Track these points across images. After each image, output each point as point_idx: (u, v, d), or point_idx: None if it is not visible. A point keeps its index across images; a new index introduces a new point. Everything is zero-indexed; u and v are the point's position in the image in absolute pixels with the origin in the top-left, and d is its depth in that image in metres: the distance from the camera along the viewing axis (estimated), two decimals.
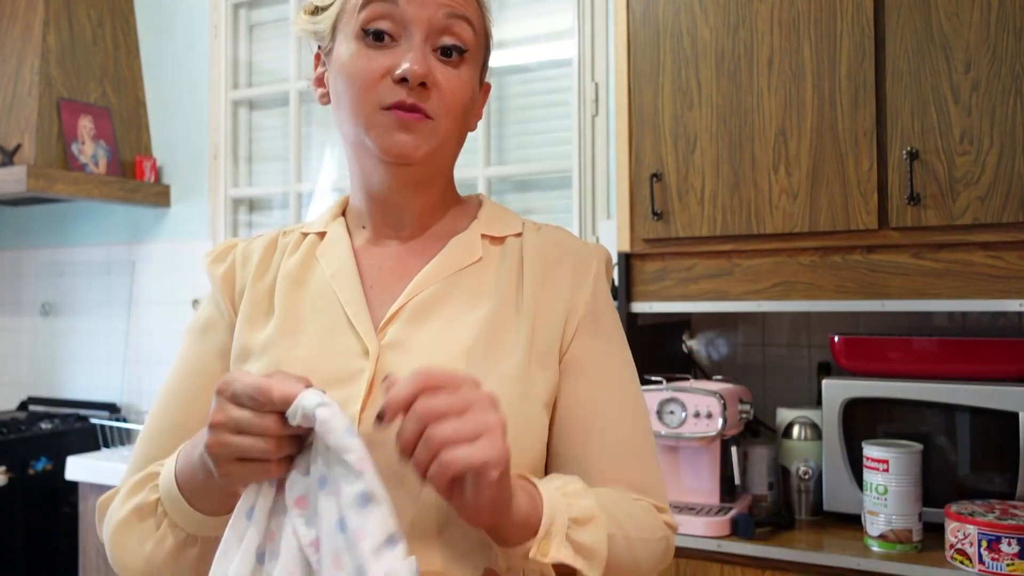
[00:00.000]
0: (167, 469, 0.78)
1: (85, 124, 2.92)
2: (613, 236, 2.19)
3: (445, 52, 0.83)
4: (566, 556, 0.72)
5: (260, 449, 0.67)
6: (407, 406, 0.65)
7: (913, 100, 1.63)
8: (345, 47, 0.85)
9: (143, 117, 3.17)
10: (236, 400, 0.67)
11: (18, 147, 2.76)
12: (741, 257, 1.79)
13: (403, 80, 0.81)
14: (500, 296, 0.86)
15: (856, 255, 1.69)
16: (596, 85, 2.37)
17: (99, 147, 2.95)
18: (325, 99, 0.91)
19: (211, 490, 0.74)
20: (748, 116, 1.77)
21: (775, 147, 1.74)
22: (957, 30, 1.60)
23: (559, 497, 0.74)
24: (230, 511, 0.73)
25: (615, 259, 1.93)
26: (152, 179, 3.06)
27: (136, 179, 3.03)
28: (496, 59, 2.64)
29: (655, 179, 1.84)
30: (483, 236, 0.91)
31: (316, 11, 0.89)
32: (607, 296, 0.92)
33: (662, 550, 0.84)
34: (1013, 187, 1.55)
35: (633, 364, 0.93)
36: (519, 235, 0.92)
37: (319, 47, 0.91)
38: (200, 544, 0.78)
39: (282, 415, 0.67)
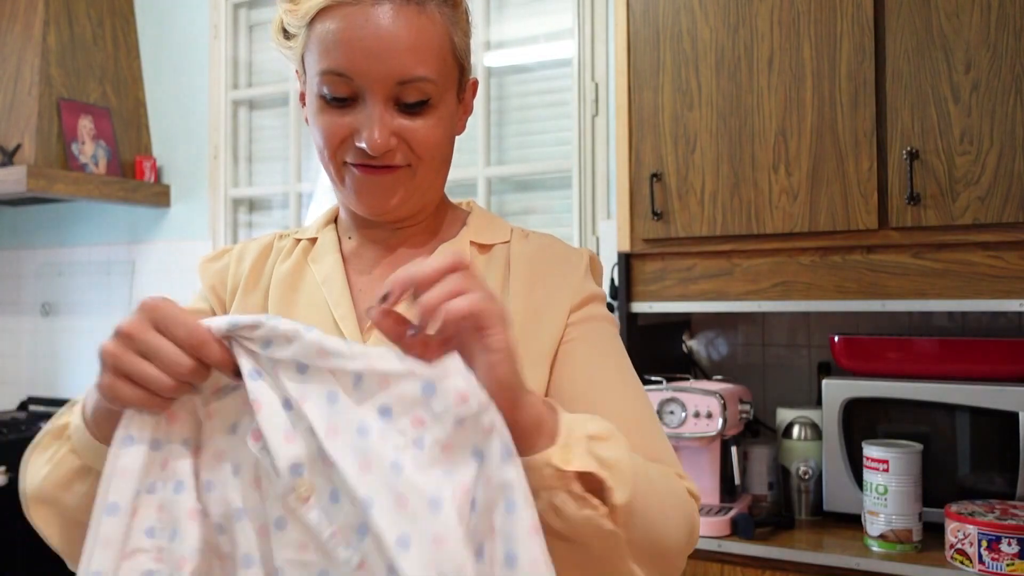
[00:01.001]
0: (87, 394, 0.74)
1: (85, 124, 2.92)
2: (613, 236, 2.19)
3: (409, 106, 0.83)
4: (592, 465, 0.65)
5: (159, 383, 0.63)
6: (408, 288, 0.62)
7: (913, 100, 1.63)
8: (310, 97, 0.85)
9: (143, 117, 3.17)
10: (161, 325, 0.63)
11: (18, 147, 2.76)
12: (741, 257, 1.79)
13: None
14: None
15: (856, 255, 1.69)
16: (596, 85, 2.37)
17: (99, 147, 2.95)
18: (307, 121, 0.91)
19: (107, 416, 0.70)
20: (748, 116, 1.77)
21: (775, 147, 1.74)
22: (957, 30, 1.60)
23: (572, 415, 0.69)
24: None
25: (615, 259, 1.94)
26: (152, 179, 3.06)
27: (136, 179, 3.03)
28: (496, 59, 2.64)
29: (655, 179, 1.84)
30: (472, 243, 0.91)
31: (286, 35, 0.88)
32: (596, 292, 0.91)
33: (688, 512, 0.79)
34: (1013, 187, 1.55)
35: (629, 361, 0.91)
36: (507, 243, 0.92)
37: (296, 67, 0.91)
38: (91, 480, 0.73)
39: (202, 365, 0.64)
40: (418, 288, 0.62)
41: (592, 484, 0.65)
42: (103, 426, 0.70)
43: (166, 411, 0.67)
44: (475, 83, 0.94)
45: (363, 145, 0.81)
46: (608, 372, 0.86)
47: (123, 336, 0.64)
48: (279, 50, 0.90)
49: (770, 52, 1.75)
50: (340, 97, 0.82)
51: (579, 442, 0.65)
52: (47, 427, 0.80)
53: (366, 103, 0.81)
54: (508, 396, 0.62)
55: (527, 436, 0.63)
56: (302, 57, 0.86)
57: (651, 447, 0.81)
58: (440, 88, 0.84)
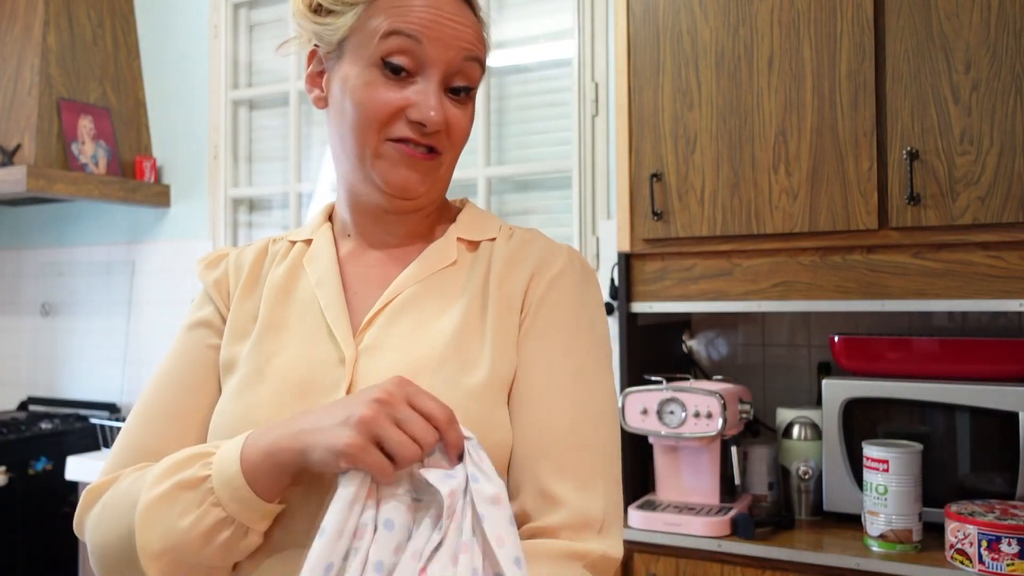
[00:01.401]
0: (229, 447, 0.76)
1: (85, 124, 2.92)
2: (613, 236, 2.19)
3: (455, 91, 0.85)
4: None
5: (408, 451, 0.69)
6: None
7: (913, 100, 1.63)
8: (358, 70, 0.84)
9: (143, 117, 3.17)
10: (412, 402, 0.71)
11: (18, 147, 2.76)
12: (741, 257, 1.79)
13: (420, 124, 0.83)
14: (469, 299, 0.87)
15: (856, 255, 1.69)
16: (596, 85, 2.37)
17: (99, 147, 2.95)
18: (322, 103, 0.90)
19: (281, 471, 0.74)
20: (748, 116, 1.77)
21: (775, 147, 1.74)
22: (957, 30, 1.60)
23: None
24: (279, 497, 0.75)
25: (615, 259, 1.93)
26: (152, 179, 3.06)
27: (136, 179, 3.03)
28: (496, 59, 2.64)
29: (655, 179, 1.84)
30: (459, 240, 0.92)
31: (320, 10, 0.87)
32: (568, 293, 0.87)
33: None
34: (1013, 187, 1.55)
35: (599, 366, 0.86)
36: (493, 240, 0.92)
37: (316, 46, 0.89)
38: (233, 529, 0.75)
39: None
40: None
41: None
42: (269, 484, 0.74)
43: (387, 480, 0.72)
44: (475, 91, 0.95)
45: (418, 117, 0.82)
46: (543, 373, 0.83)
47: (381, 403, 0.70)
48: (303, 26, 0.88)
49: (770, 52, 1.75)
50: (399, 67, 0.83)
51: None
52: (159, 486, 0.78)
53: (425, 78, 0.83)
54: None
55: None
56: (344, 34, 0.85)
57: (563, 458, 0.79)
58: (480, 79, 0.88)
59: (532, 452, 0.79)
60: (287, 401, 0.81)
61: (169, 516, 0.76)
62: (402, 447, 0.69)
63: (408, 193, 0.86)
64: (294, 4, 0.89)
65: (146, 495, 0.77)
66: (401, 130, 0.83)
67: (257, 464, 0.74)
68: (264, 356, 0.85)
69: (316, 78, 0.90)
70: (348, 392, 0.81)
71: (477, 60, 0.86)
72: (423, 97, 0.82)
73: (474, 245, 0.92)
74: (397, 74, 0.83)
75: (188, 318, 0.95)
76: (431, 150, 0.85)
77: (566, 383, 0.82)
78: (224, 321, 0.91)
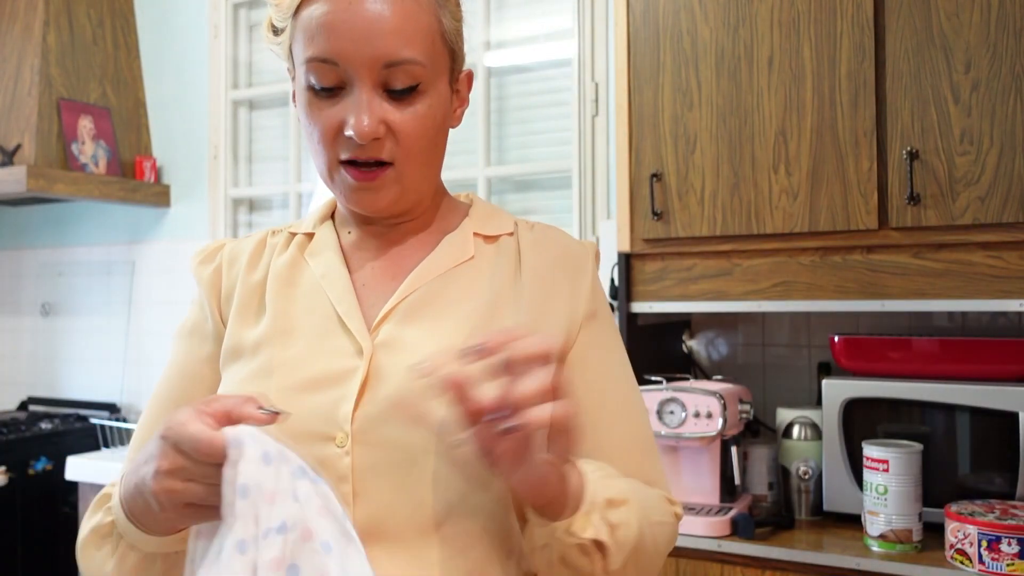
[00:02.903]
0: (116, 494, 0.76)
1: (85, 124, 2.92)
2: (613, 236, 2.19)
3: (398, 92, 0.81)
4: (602, 534, 0.75)
5: (207, 496, 0.66)
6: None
7: (913, 100, 1.63)
8: (300, 91, 0.84)
9: (143, 117, 3.17)
10: (179, 448, 0.66)
11: (18, 147, 2.76)
12: (741, 257, 1.79)
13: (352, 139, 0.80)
14: (495, 293, 0.86)
15: (856, 255, 1.69)
16: (596, 85, 2.37)
17: (99, 147, 2.95)
18: None
19: (159, 520, 0.72)
20: (748, 116, 1.77)
21: (775, 147, 1.74)
22: (957, 30, 1.60)
23: (596, 477, 0.77)
24: (183, 529, 0.73)
25: (615, 259, 1.94)
26: (152, 179, 3.06)
27: (136, 179, 3.03)
28: (496, 59, 2.64)
29: (655, 179, 1.84)
30: (475, 235, 0.91)
31: (276, 31, 0.87)
32: (603, 292, 0.93)
33: (672, 535, 0.87)
34: (1013, 187, 1.55)
35: (628, 361, 0.93)
36: (511, 234, 0.92)
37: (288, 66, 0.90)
38: (160, 560, 0.77)
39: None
40: (507, 368, 0.65)
41: (591, 546, 0.75)
42: (155, 521, 0.73)
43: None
44: (470, 74, 0.92)
45: (350, 133, 0.79)
46: (614, 392, 0.89)
47: (161, 474, 0.67)
48: (271, 48, 0.89)
49: (770, 52, 1.75)
50: (328, 87, 0.81)
51: (597, 509, 0.75)
52: (83, 528, 0.82)
53: (354, 90, 0.80)
54: (545, 492, 0.72)
55: (556, 508, 0.73)
56: (290, 51, 0.85)
57: (649, 471, 0.88)
58: (430, 72, 0.82)
59: (623, 467, 0.85)
60: (295, 393, 0.81)
61: (94, 563, 0.80)
62: (201, 499, 0.67)
63: (374, 212, 0.85)
64: (263, 28, 0.89)
65: (79, 539, 0.83)
66: (344, 147, 0.81)
67: (136, 510, 0.73)
68: (275, 348, 0.84)
69: (294, 96, 0.90)
70: (364, 384, 0.80)
71: (404, 62, 0.80)
72: (352, 111, 0.80)
73: (492, 239, 0.91)
74: (330, 92, 0.81)
75: (182, 323, 0.95)
76: (380, 163, 0.82)
77: (632, 394, 0.91)
78: (218, 321, 0.91)
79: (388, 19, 0.79)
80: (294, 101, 0.89)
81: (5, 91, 2.88)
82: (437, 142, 0.86)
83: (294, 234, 0.94)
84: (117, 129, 3.04)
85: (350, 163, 0.82)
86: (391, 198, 0.84)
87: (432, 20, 0.82)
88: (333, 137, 0.81)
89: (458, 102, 0.90)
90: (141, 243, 3.16)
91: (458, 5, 0.87)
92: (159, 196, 3.07)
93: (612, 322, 0.93)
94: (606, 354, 0.90)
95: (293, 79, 0.88)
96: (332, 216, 0.96)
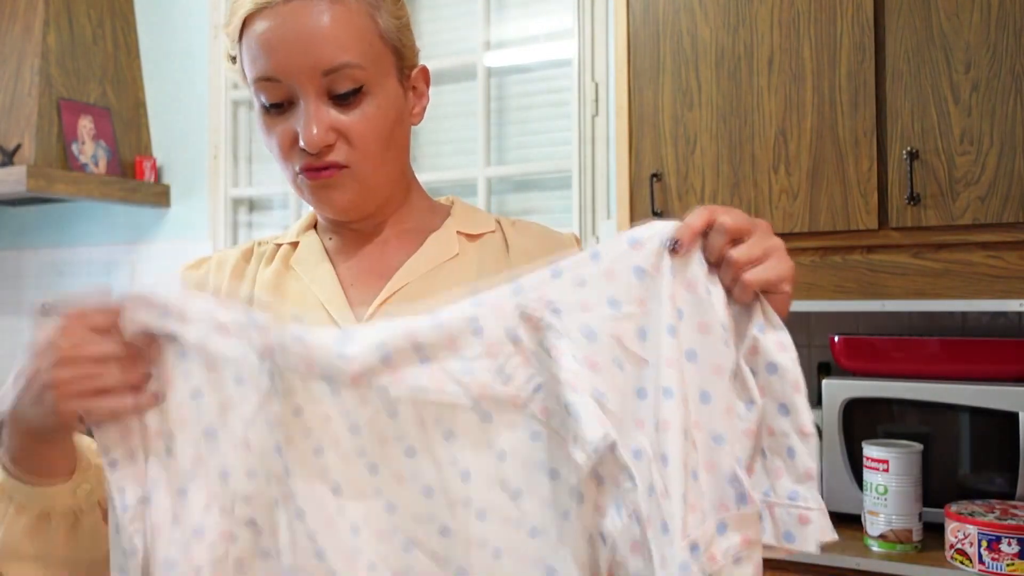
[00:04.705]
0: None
1: (85, 124, 2.92)
2: (613, 236, 2.19)
3: (343, 96, 0.82)
4: None
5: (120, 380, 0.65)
6: (701, 231, 0.67)
7: (913, 100, 1.63)
8: (255, 113, 0.87)
9: (143, 117, 3.17)
10: (87, 320, 0.66)
11: (18, 147, 2.76)
12: None
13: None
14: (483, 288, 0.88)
15: (856, 255, 1.69)
16: (596, 85, 2.37)
17: (99, 147, 2.95)
18: None
19: (52, 452, 0.70)
20: (748, 116, 1.77)
21: (775, 147, 1.74)
22: (957, 30, 1.60)
23: None
24: (66, 472, 0.71)
25: None
26: (152, 179, 3.06)
27: (136, 179, 3.03)
28: (496, 59, 2.64)
29: (655, 179, 1.84)
30: (459, 233, 0.92)
31: (233, 60, 0.88)
32: None
33: None
34: (1013, 187, 1.55)
35: None
36: (494, 231, 0.93)
37: None
38: (55, 520, 0.74)
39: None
40: (729, 236, 0.67)
41: None
42: (33, 466, 0.70)
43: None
44: (424, 69, 0.92)
45: (301, 145, 0.81)
46: None
47: (66, 362, 0.65)
48: (230, 76, 0.91)
49: (770, 52, 1.75)
50: (276, 103, 0.82)
51: None
52: None
53: (299, 102, 0.82)
54: None
55: None
56: (244, 77, 0.86)
57: None
58: (372, 73, 0.83)
59: None
60: None
61: None
62: (114, 383, 0.66)
63: (340, 213, 0.87)
64: (225, 58, 0.90)
65: None
66: (299, 158, 0.83)
67: (15, 448, 0.70)
68: None
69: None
70: None
71: (341, 67, 0.80)
72: (300, 123, 0.81)
73: (475, 238, 0.92)
74: (279, 107, 0.83)
75: None
76: (335, 166, 0.83)
77: None
78: None
79: (320, 28, 0.80)
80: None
81: (5, 91, 2.88)
82: (393, 140, 0.86)
83: (279, 245, 0.95)
84: (117, 129, 3.04)
85: (307, 170, 0.84)
86: (350, 198, 0.85)
87: (366, 22, 0.83)
88: (288, 150, 0.84)
89: (415, 98, 0.90)
90: (141, 243, 3.16)
91: (397, 4, 0.87)
92: (159, 196, 3.07)
93: None
94: None
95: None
96: (315, 226, 0.97)
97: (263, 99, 0.83)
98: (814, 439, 0.65)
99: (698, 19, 1.82)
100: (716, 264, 0.67)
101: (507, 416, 0.65)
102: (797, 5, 1.73)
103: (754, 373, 0.66)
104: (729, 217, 0.67)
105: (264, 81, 0.82)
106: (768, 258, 0.68)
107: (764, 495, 0.65)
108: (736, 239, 0.67)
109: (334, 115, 0.82)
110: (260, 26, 0.81)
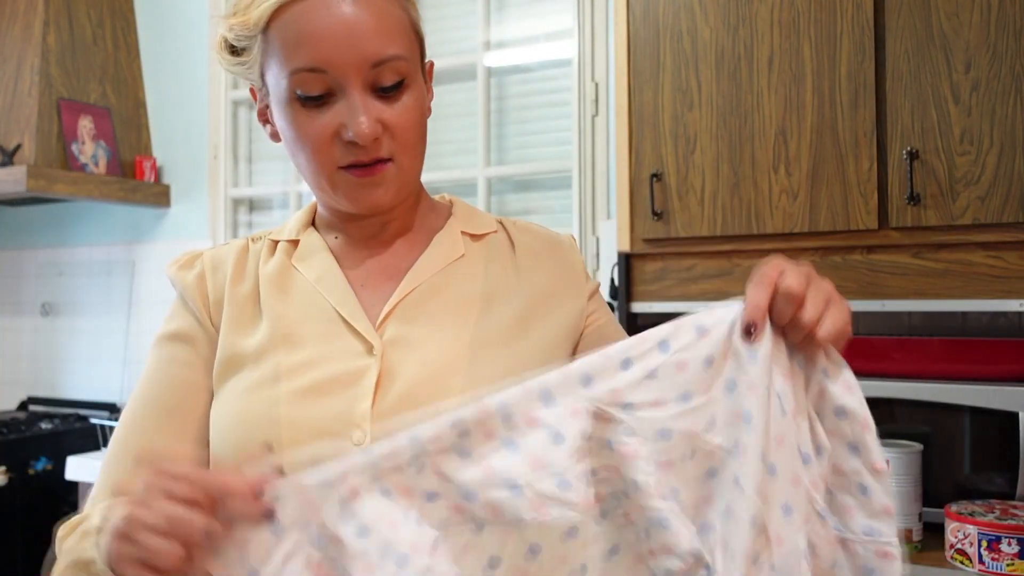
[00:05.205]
0: (104, 532, 0.68)
1: (85, 124, 2.92)
2: (613, 236, 2.19)
3: (385, 90, 0.81)
4: None
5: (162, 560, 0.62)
6: (768, 307, 0.69)
7: (913, 100, 1.63)
8: (281, 107, 0.83)
9: (143, 117, 3.17)
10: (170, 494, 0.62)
11: (18, 147, 2.76)
12: (741, 257, 1.79)
13: (353, 142, 0.80)
14: (491, 286, 0.89)
15: (856, 255, 1.69)
16: (596, 85, 2.37)
17: (99, 147, 2.95)
18: (276, 138, 0.88)
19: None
20: (748, 116, 1.77)
21: (775, 147, 1.74)
22: (957, 30, 1.60)
23: None
24: None
25: (615, 259, 1.94)
26: (152, 179, 3.06)
27: (136, 179, 3.03)
28: (496, 59, 2.64)
29: (655, 179, 1.84)
30: (463, 233, 0.93)
31: (235, 51, 0.85)
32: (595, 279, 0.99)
33: None
34: (1013, 187, 1.55)
35: None
36: (496, 231, 0.95)
37: (251, 84, 0.88)
38: None
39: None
40: (796, 303, 0.68)
41: None
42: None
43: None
44: (431, 64, 0.92)
45: (351, 136, 0.79)
46: None
47: (134, 523, 0.62)
48: (228, 70, 0.87)
49: (770, 52, 1.75)
50: (315, 96, 0.80)
51: None
52: (60, 561, 0.75)
53: (345, 94, 0.80)
54: None
55: None
56: (260, 69, 0.84)
57: None
58: (411, 66, 0.83)
59: None
60: (307, 397, 0.80)
61: None
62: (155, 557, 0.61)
63: (377, 209, 0.86)
64: (215, 49, 0.87)
65: (56, 571, 0.76)
66: (344, 154, 0.81)
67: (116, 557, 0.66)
68: (281, 353, 0.83)
69: (263, 112, 0.89)
70: (377, 382, 0.80)
71: (391, 59, 0.80)
72: (348, 115, 0.79)
73: (479, 238, 0.93)
74: (318, 100, 0.80)
75: (161, 329, 0.91)
76: (381, 161, 0.82)
77: None
78: (203, 328, 0.88)
79: (368, 19, 0.79)
80: (262, 119, 0.88)
81: (5, 91, 2.88)
82: (423, 134, 0.87)
83: (276, 241, 0.93)
84: (117, 129, 3.04)
85: (351, 167, 0.82)
86: (393, 192, 0.85)
87: (403, 13, 0.83)
88: (329, 144, 0.81)
89: (428, 92, 0.91)
90: (141, 243, 3.16)
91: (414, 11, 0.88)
92: (159, 196, 3.07)
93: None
94: (616, 327, 0.94)
95: (261, 97, 0.87)
96: (313, 223, 0.95)
97: (300, 91, 0.80)
98: (887, 476, 0.65)
99: (698, 19, 1.82)
100: (783, 327, 0.68)
101: (591, 529, 0.64)
102: (797, 5, 1.73)
103: (821, 417, 0.65)
104: (788, 280, 0.68)
105: (306, 72, 0.79)
106: (830, 308, 0.69)
107: (836, 530, 0.64)
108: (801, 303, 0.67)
109: (380, 107, 0.81)
110: (301, 18, 0.79)
